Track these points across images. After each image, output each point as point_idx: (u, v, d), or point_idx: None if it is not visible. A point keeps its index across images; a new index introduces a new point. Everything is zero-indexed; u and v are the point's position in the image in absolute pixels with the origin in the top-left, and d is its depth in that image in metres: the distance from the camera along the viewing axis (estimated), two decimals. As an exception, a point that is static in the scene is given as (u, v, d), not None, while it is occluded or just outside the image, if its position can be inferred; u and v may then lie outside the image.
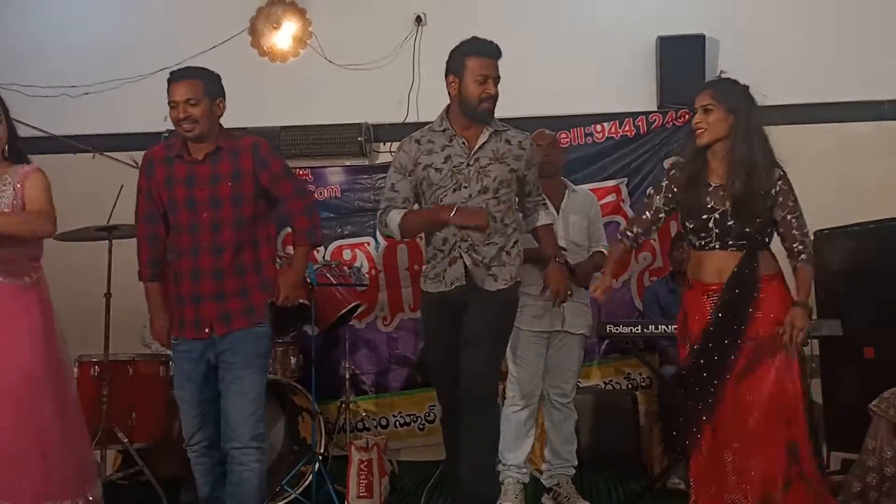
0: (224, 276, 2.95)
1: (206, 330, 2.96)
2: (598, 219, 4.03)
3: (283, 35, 5.37)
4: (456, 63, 3.05)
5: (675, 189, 2.98)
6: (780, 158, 2.89)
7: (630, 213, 4.90)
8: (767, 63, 4.91)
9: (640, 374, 4.83)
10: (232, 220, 2.95)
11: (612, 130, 4.98)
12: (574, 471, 3.87)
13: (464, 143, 3.06)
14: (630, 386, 4.84)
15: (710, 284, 2.90)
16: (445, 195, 3.05)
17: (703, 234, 2.91)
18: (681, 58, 4.87)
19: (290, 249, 5.09)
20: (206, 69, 3.03)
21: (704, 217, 2.89)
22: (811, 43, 4.96)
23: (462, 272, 3.04)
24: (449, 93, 3.10)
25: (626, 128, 4.96)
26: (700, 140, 2.89)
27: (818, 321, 4.09)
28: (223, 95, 3.01)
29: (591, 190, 4.47)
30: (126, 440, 3.81)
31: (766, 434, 2.77)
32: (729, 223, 2.86)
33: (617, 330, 3.93)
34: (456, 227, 3.02)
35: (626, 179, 4.93)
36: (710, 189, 2.89)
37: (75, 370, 4.00)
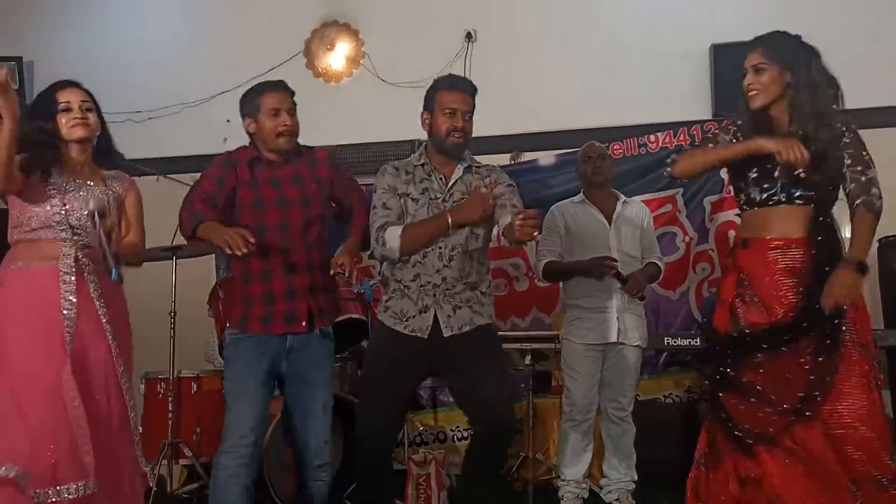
0: (314, 271, 3.00)
1: (304, 323, 2.95)
2: (652, 230, 4.01)
3: (337, 56, 5.47)
4: (428, 99, 3.06)
5: (739, 135, 2.69)
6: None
7: (686, 223, 4.85)
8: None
9: (701, 387, 4.75)
10: (318, 218, 3.03)
11: (667, 140, 4.93)
12: (634, 485, 3.83)
13: (441, 178, 3.06)
14: (690, 399, 4.77)
15: (775, 239, 2.59)
16: None
17: (766, 186, 2.63)
18: (735, 65, 4.65)
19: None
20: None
21: (768, 165, 2.60)
22: (871, 46, 4.85)
23: (429, 325, 2.97)
24: (424, 129, 3.10)
25: (681, 137, 4.90)
26: (754, 103, 2.67)
27: (885, 331, 3.99)
28: None
29: (646, 201, 4.45)
30: (192, 455, 3.90)
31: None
32: (797, 172, 2.56)
33: (675, 342, 3.89)
34: (440, 263, 2.96)
35: (681, 189, 4.87)
36: (775, 136, 2.63)
37: (142, 387, 4.14)
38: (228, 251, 2.69)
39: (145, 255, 4.07)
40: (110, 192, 2.83)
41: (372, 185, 5.23)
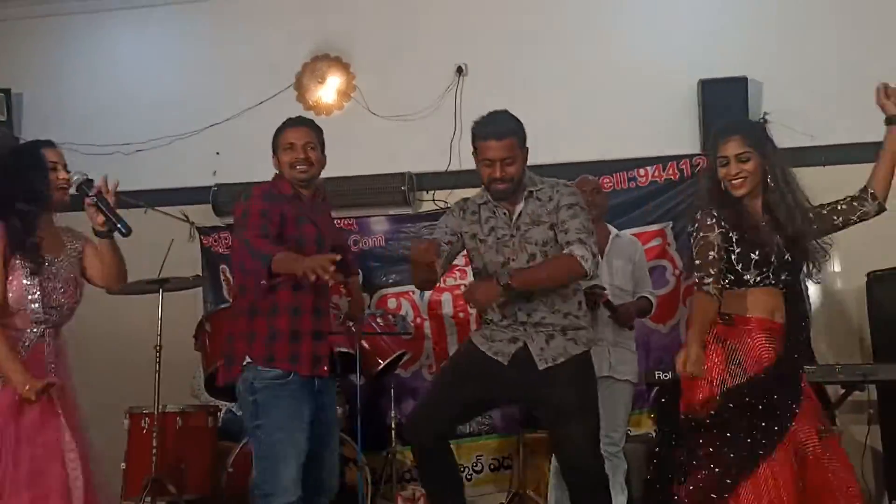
0: (328, 316, 3.05)
1: (325, 368, 2.95)
2: (644, 263, 4.01)
3: (328, 89, 5.49)
4: (474, 147, 3.04)
5: (723, 225, 2.70)
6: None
7: (676, 256, 4.85)
8: (811, 104, 4.87)
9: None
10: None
11: (656, 174, 4.96)
12: (625, 522, 3.78)
13: (505, 213, 3.03)
14: (681, 434, 4.73)
15: (761, 319, 2.69)
16: (496, 270, 2.99)
17: (764, 269, 2.69)
18: (723, 100, 4.85)
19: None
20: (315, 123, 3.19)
21: (767, 249, 2.68)
22: (855, 82, 4.89)
23: (511, 352, 2.96)
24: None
25: (670, 171, 4.93)
26: (739, 191, 2.70)
27: (875, 366, 3.98)
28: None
29: (636, 234, 4.46)
30: (175, 492, 3.83)
31: None
32: (785, 257, 2.69)
33: (666, 376, 3.87)
34: (521, 299, 2.93)
35: (671, 223, 4.89)
36: (763, 227, 2.72)
37: (126, 422, 4.08)
38: (314, 279, 2.61)
39: (131, 287, 4.06)
40: (73, 255, 2.73)
41: (360, 217, 5.29)
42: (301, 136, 3.06)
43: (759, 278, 2.71)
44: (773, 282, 2.71)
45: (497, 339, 3.00)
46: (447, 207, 5.05)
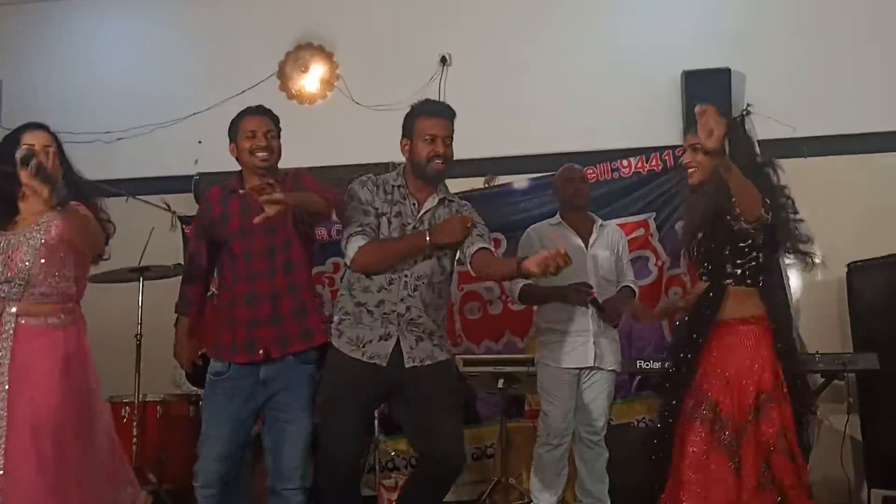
0: (278, 299, 2.99)
1: (261, 351, 2.96)
2: (626, 254, 4.02)
3: (311, 78, 5.46)
4: (407, 125, 3.05)
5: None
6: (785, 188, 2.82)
7: (659, 247, 4.87)
8: (793, 96, 4.90)
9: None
10: (283, 245, 3.01)
11: (639, 165, 4.96)
12: (607, 510, 3.80)
13: (414, 204, 3.04)
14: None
15: (741, 320, 2.76)
16: None
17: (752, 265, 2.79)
18: (706, 92, 4.85)
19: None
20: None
21: (751, 241, 2.76)
22: (838, 75, 4.94)
23: (388, 352, 2.93)
24: (403, 156, 3.09)
25: (653, 162, 4.94)
26: (692, 179, 2.82)
27: (854, 355, 4.02)
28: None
29: (619, 225, 4.45)
30: (156, 481, 3.82)
31: None
32: (702, 249, 2.84)
33: (647, 365, 3.89)
34: (405, 292, 2.94)
35: (653, 214, 4.89)
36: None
37: (106, 411, 4.04)
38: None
39: (111, 276, 4.03)
40: (37, 229, 2.72)
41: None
42: (262, 124, 3.06)
43: (742, 274, 2.78)
44: (704, 277, 2.84)
45: (366, 338, 2.95)
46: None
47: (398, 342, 2.94)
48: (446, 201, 3.09)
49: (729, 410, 2.65)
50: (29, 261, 2.70)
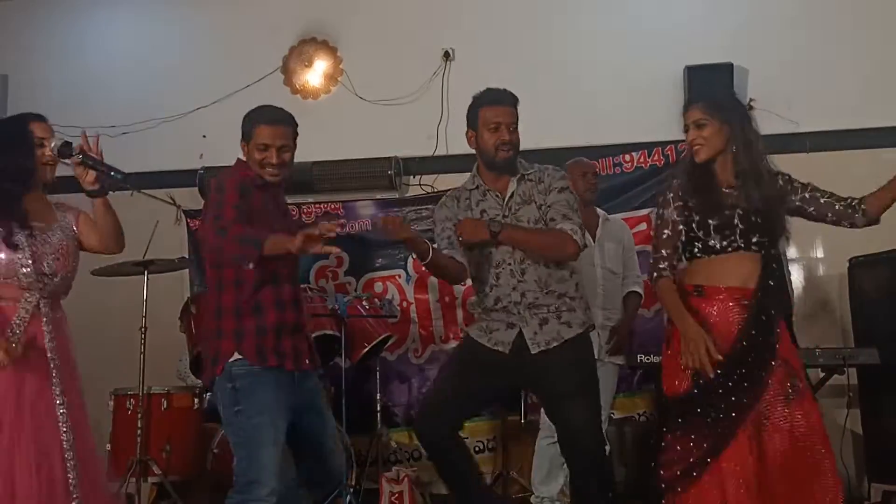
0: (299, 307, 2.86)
1: (308, 361, 2.82)
2: (632, 246, 4.06)
3: (315, 73, 5.47)
4: (471, 117, 3.04)
5: (682, 195, 2.78)
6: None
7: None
8: (797, 90, 4.89)
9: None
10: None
11: (642, 160, 4.98)
12: (607, 503, 3.82)
13: (497, 195, 3.03)
14: (664, 417, 4.78)
15: (732, 288, 2.70)
16: (489, 251, 2.99)
17: (726, 232, 2.71)
18: (709, 87, 4.85)
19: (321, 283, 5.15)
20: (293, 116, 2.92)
21: (728, 213, 2.71)
22: (840, 69, 4.93)
23: (511, 340, 2.95)
24: (472, 148, 3.09)
25: (656, 157, 4.95)
26: (699, 156, 2.77)
27: (855, 350, 4.03)
28: None
29: (622, 219, 4.48)
30: (161, 473, 3.85)
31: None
32: (753, 219, 2.70)
33: (648, 359, 3.90)
34: (514, 280, 2.94)
35: (656, 208, 4.91)
36: (725, 191, 2.77)
37: (111, 404, 4.08)
38: (311, 248, 2.50)
39: (116, 269, 4.06)
40: (65, 225, 2.71)
41: (347, 201, 5.29)
42: (277, 137, 2.80)
43: (725, 243, 2.72)
44: (742, 245, 2.71)
45: (494, 328, 2.99)
46: (435, 193, 5.09)
47: (520, 331, 2.95)
48: (524, 177, 3.05)
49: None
50: (71, 256, 2.68)
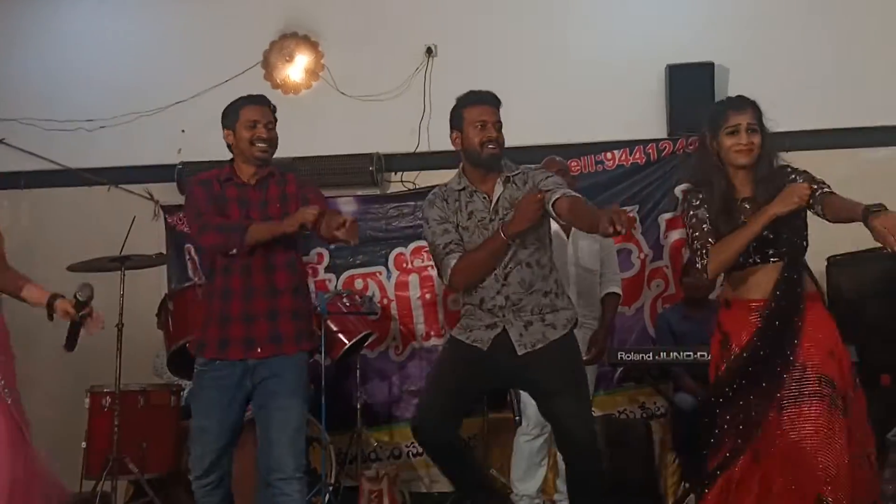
0: (278, 296, 2.98)
1: (258, 350, 2.94)
2: (611, 244, 4.05)
3: (296, 68, 5.43)
4: (455, 118, 3.06)
5: (707, 209, 2.80)
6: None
7: (642, 239, 4.90)
8: (777, 90, 4.87)
9: (655, 403, 4.77)
10: (282, 242, 2.98)
11: (623, 158, 4.99)
12: (587, 501, 3.82)
13: (484, 197, 3.04)
14: (644, 415, 4.79)
15: (753, 300, 2.75)
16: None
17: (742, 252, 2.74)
18: (690, 86, 4.88)
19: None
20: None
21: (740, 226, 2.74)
22: (821, 69, 4.96)
23: (490, 338, 2.99)
24: (457, 150, 3.09)
25: (637, 155, 4.96)
26: (743, 159, 2.76)
27: (834, 348, 4.05)
28: None
29: (602, 218, 4.48)
30: (137, 470, 3.81)
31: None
32: (765, 234, 2.70)
33: (629, 357, 3.91)
34: (498, 284, 2.97)
35: (637, 206, 4.93)
36: (739, 204, 2.79)
37: (87, 401, 4.03)
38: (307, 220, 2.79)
39: (92, 265, 4.02)
40: None
41: (328, 197, 5.24)
42: (264, 114, 3.05)
43: (742, 260, 2.74)
44: (759, 260, 2.74)
45: (475, 327, 3.02)
46: (417, 189, 5.07)
47: (505, 331, 2.97)
48: (510, 179, 3.06)
49: (840, 383, 2.69)
50: None
